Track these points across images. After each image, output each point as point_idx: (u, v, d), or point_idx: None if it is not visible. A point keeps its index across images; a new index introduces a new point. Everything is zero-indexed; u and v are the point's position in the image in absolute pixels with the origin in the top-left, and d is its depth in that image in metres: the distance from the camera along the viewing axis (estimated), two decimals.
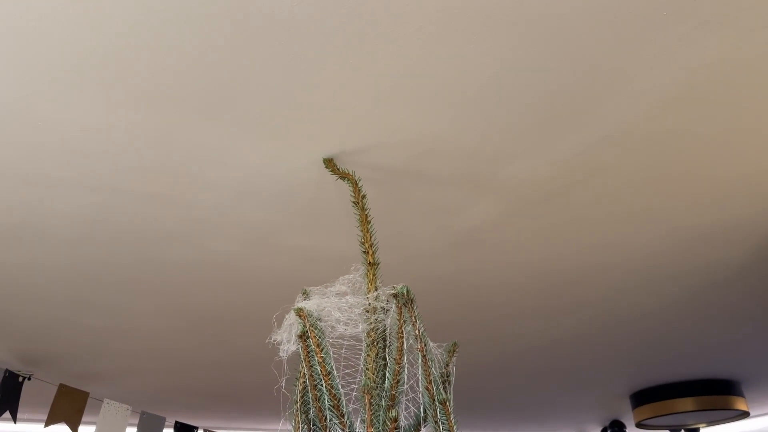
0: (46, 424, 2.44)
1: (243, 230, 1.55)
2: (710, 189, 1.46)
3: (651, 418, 3.10)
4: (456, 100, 1.11)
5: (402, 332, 0.88)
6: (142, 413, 2.79)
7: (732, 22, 0.97)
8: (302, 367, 0.85)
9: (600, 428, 4.07)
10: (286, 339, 0.85)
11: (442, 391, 0.88)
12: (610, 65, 1.05)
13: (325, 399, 0.82)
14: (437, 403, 0.88)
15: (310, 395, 0.83)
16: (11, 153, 1.21)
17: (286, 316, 0.87)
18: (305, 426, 0.84)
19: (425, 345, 0.88)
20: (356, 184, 1.22)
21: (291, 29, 0.93)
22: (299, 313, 0.82)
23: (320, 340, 0.82)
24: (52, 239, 1.55)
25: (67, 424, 2.47)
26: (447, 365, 0.93)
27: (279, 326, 0.88)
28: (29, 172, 1.27)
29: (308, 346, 0.82)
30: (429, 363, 0.88)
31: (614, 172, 1.38)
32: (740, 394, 3.01)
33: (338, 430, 0.83)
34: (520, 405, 3.58)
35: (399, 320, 0.88)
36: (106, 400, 2.64)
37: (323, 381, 0.82)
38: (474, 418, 3.89)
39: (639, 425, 3.25)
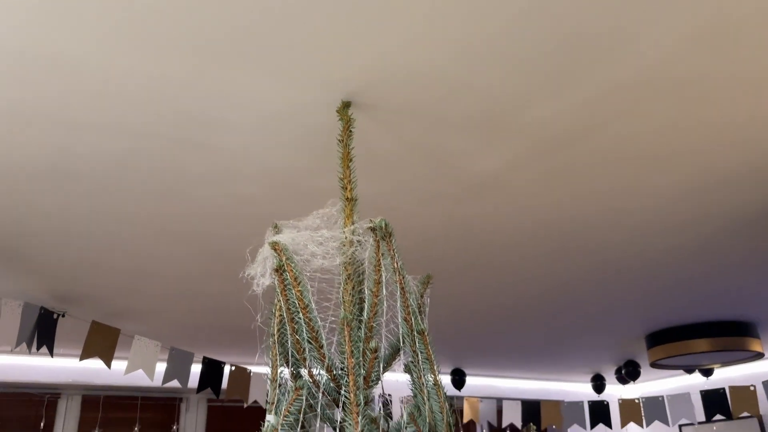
0: (81, 358, 2.60)
1: (266, 173, 1.58)
2: (730, 132, 1.42)
3: (666, 358, 3.11)
4: (476, 42, 1.10)
5: (380, 265, 0.89)
6: (171, 349, 2.94)
7: None
8: (278, 301, 0.88)
9: (615, 368, 4.12)
10: (261, 273, 0.88)
11: (420, 321, 0.90)
12: (632, 10, 1.02)
13: (303, 331, 0.85)
14: (416, 333, 0.91)
15: (288, 328, 0.86)
16: (42, 98, 1.24)
17: (260, 250, 0.90)
18: (282, 358, 0.88)
19: (403, 278, 0.90)
20: (348, 122, 1.22)
21: None
22: (275, 246, 0.85)
23: (297, 273, 0.85)
24: (82, 183, 1.61)
25: (101, 359, 2.64)
26: (422, 296, 0.95)
27: (253, 260, 0.90)
28: (60, 117, 1.31)
29: (285, 279, 0.85)
30: (408, 295, 0.90)
31: (634, 116, 1.35)
32: (756, 336, 2.98)
33: (317, 361, 0.87)
34: (536, 346, 3.63)
35: (377, 253, 0.90)
36: (136, 337, 2.79)
37: (301, 314, 0.85)
38: (489, 360, 3.99)
39: (654, 365, 3.27)
